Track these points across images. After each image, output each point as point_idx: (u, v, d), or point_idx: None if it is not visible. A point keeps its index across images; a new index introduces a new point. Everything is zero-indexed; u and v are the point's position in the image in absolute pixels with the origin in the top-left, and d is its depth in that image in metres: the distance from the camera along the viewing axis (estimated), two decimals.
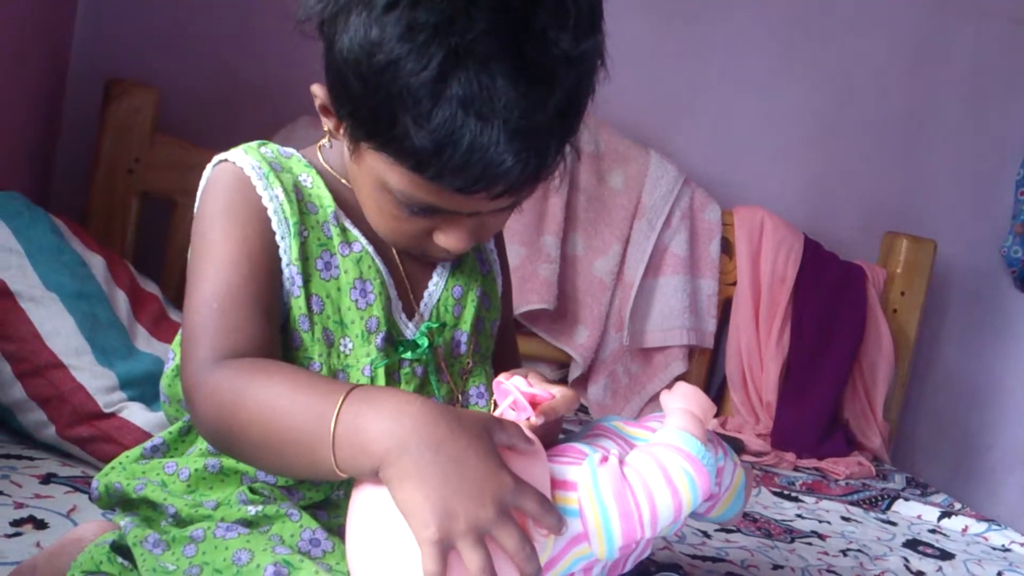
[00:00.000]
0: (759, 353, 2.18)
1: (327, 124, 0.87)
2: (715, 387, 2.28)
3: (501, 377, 0.83)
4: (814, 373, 2.17)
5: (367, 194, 0.85)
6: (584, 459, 0.78)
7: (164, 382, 0.94)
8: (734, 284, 2.21)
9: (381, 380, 0.87)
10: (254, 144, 0.90)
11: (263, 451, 0.77)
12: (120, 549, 0.83)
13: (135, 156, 1.90)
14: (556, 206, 2.04)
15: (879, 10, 2.35)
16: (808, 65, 2.34)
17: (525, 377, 0.84)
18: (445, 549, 0.68)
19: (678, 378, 2.15)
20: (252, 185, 0.86)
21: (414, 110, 0.73)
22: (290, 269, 0.86)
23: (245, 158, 0.88)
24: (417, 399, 0.73)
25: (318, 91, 0.85)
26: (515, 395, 0.81)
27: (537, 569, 0.71)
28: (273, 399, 0.76)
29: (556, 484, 0.77)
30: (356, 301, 0.88)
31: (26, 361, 1.32)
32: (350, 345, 0.88)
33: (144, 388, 1.35)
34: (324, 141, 0.94)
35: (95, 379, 1.32)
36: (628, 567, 0.86)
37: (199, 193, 0.89)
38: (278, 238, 0.86)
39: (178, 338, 0.90)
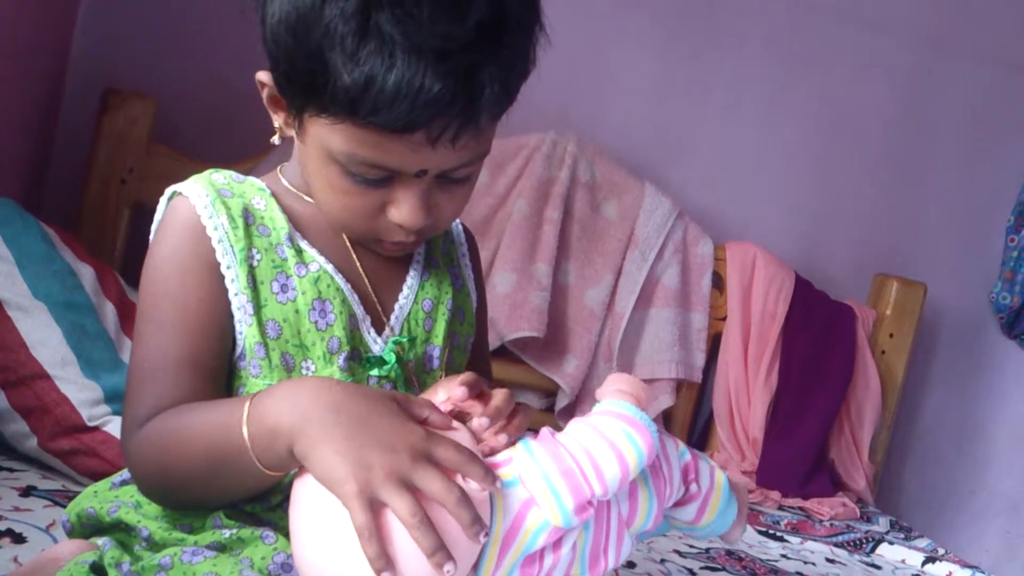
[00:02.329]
0: (747, 389, 2.18)
1: (277, 120, 0.88)
2: (702, 422, 2.28)
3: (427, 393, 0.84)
4: (801, 412, 2.17)
5: (316, 173, 0.85)
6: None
7: None
8: (724, 319, 2.21)
9: None
10: (207, 172, 0.91)
11: (198, 485, 0.81)
12: (99, 570, 0.81)
13: (129, 166, 1.89)
14: (549, 234, 2.04)
15: (877, 52, 2.37)
16: (804, 104, 2.35)
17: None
18: (368, 500, 0.70)
19: (665, 412, 2.15)
20: (198, 217, 0.86)
21: (341, 48, 0.76)
22: (239, 298, 0.85)
23: (195, 188, 0.88)
24: (312, 378, 0.78)
25: (263, 76, 0.87)
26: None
27: (472, 514, 0.71)
28: (189, 431, 0.80)
29: (492, 466, 0.76)
30: (316, 323, 0.87)
31: (10, 371, 1.31)
32: (312, 367, 0.87)
33: None
34: (283, 165, 0.95)
35: (80, 391, 1.31)
36: (611, 564, 0.83)
37: (154, 226, 0.90)
38: (223, 268, 0.85)
39: None
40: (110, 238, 1.88)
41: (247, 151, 1.97)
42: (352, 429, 0.73)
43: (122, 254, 1.90)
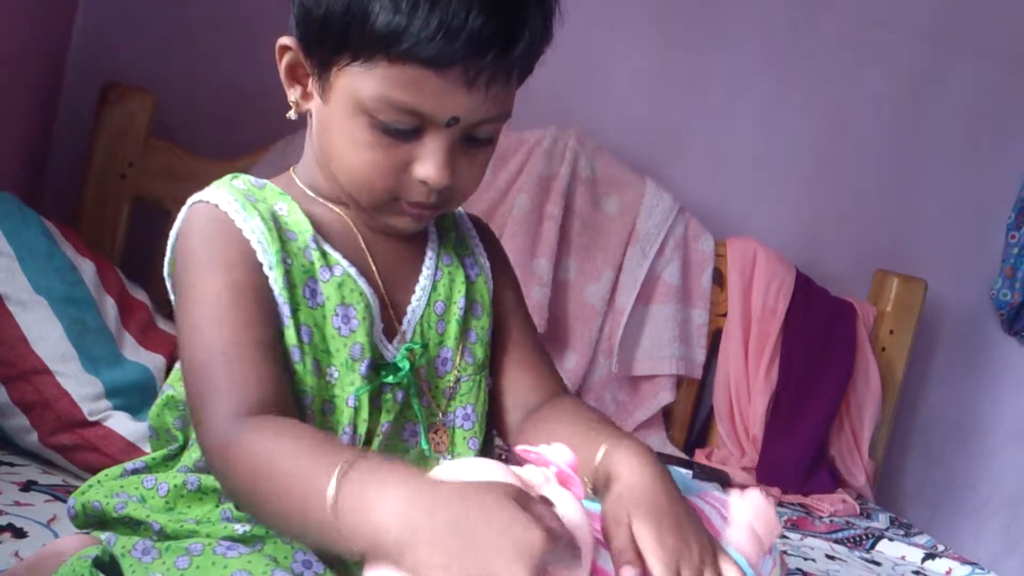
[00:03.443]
0: (747, 385, 2.18)
1: (293, 94, 0.88)
2: (702, 418, 2.28)
3: (536, 448, 0.73)
4: (801, 408, 2.17)
5: (340, 131, 0.84)
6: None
7: (152, 412, 0.92)
8: (725, 315, 2.20)
9: (364, 410, 0.85)
10: (226, 179, 0.89)
11: (277, 521, 0.75)
12: (102, 565, 0.81)
13: (129, 161, 1.88)
14: (550, 230, 2.04)
15: (876, 49, 2.36)
16: (805, 100, 2.35)
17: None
18: None
19: (665, 408, 2.15)
20: (231, 220, 0.84)
21: None
22: (280, 298, 0.83)
23: (219, 193, 0.86)
24: (421, 477, 0.68)
25: (287, 40, 0.86)
26: (562, 468, 0.71)
27: None
28: (291, 472, 0.72)
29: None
30: (339, 328, 0.85)
31: (11, 365, 1.30)
32: (336, 374, 0.85)
33: (130, 397, 1.33)
34: (302, 159, 0.93)
35: (81, 386, 1.30)
36: None
37: (173, 236, 0.87)
38: (265, 269, 0.83)
39: (175, 373, 0.88)
40: (110, 233, 1.88)
41: (247, 146, 1.97)
42: (466, 556, 0.62)
43: (122, 249, 1.89)
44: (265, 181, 0.91)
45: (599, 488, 0.81)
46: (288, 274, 0.84)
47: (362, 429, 0.85)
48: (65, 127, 1.99)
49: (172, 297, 0.89)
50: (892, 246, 2.44)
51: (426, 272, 0.94)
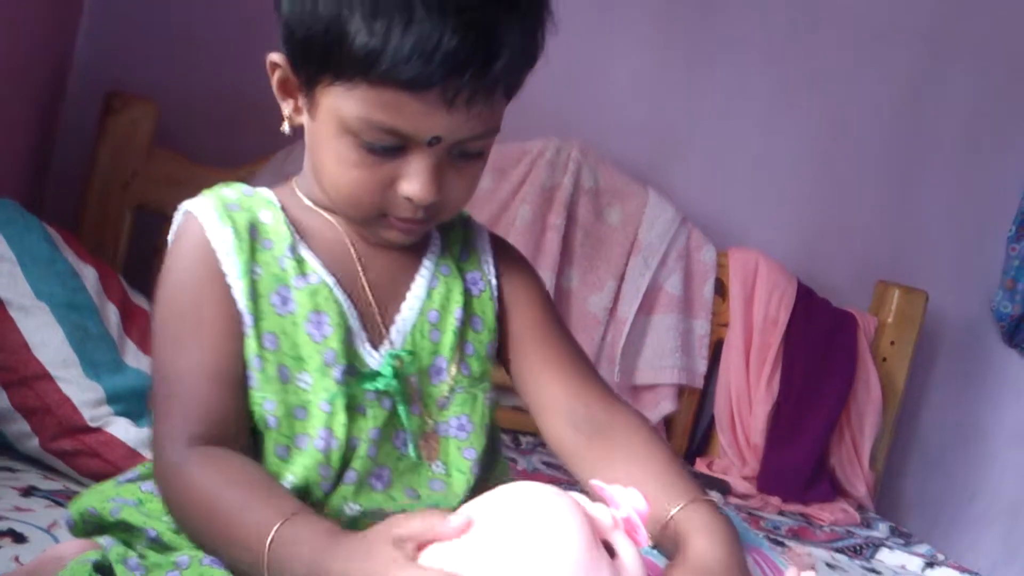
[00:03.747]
0: (748, 395, 2.18)
1: (286, 108, 0.88)
2: (703, 427, 2.28)
3: (612, 488, 0.73)
4: (802, 418, 2.17)
5: (326, 149, 0.85)
6: None
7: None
8: (726, 326, 2.21)
9: (341, 415, 0.85)
10: (218, 186, 0.91)
11: (217, 554, 0.80)
12: (102, 570, 0.81)
13: (132, 169, 1.89)
14: (553, 240, 2.04)
15: (876, 54, 2.37)
16: (805, 110, 2.35)
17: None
18: None
19: (667, 418, 2.15)
20: (203, 230, 0.87)
21: (360, 9, 0.77)
22: (242, 310, 0.85)
23: (202, 202, 0.89)
24: (345, 547, 0.74)
25: (276, 56, 0.87)
26: (631, 515, 0.71)
27: None
28: (228, 515, 0.79)
29: None
30: (311, 335, 0.86)
31: (12, 371, 1.31)
32: (309, 380, 0.86)
33: (131, 403, 1.33)
34: (297, 177, 0.94)
35: (82, 392, 1.31)
36: None
37: (169, 240, 0.90)
38: (230, 279, 0.85)
39: None
40: (112, 240, 1.89)
41: (249, 155, 1.97)
42: None
43: (124, 256, 1.90)
44: (258, 190, 0.92)
45: (665, 546, 0.81)
46: (255, 284, 0.86)
47: (340, 433, 0.84)
48: (68, 134, 2.00)
49: None
50: (893, 257, 2.44)
51: (420, 281, 0.93)
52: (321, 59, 0.81)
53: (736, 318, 2.19)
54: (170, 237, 0.90)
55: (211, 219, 0.87)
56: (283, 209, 0.91)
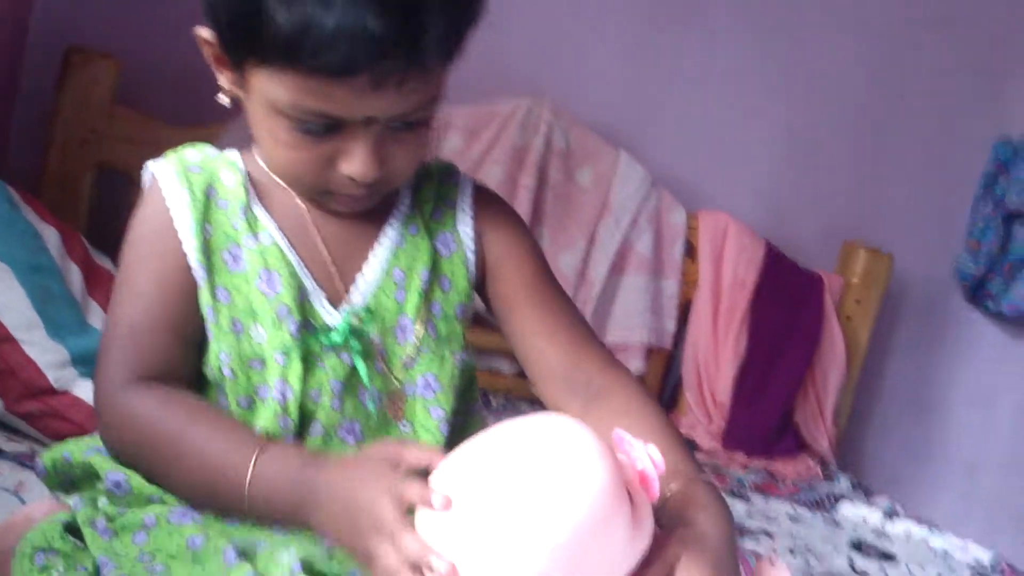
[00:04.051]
0: (715, 355, 2.20)
1: (223, 79, 0.87)
2: (671, 386, 2.30)
3: (633, 440, 0.72)
4: (768, 377, 2.20)
5: (262, 128, 0.84)
6: None
7: None
8: (695, 287, 2.22)
9: (296, 365, 0.85)
10: (183, 146, 0.91)
11: (177, 489, 0.82)
12: (72, 530, 0.81)
13: (92, 127, 1.86)
14: (524, 201, 2.04)
15: (847, 23, 2.37)
16: (776, 75, 2.35)
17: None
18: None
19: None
20: (160, 191, 0.88)
21: None
22: (194, 264, 0.86)
23: (163, 164, 0.90)
24: (314, 460, 0.78)
25: (203, 31, 0.86)
26: (648, 470, 0.70)
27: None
28: (187, 448, 0.81)
29: None
30: (263, 292, 0.86)
31: None
32: (263, 333, 0.86)
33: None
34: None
35: (46, 354, 1.29)
36: None
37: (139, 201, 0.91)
38: (181, 236, 0.86)
39: None
40: (73, 200, 1.85)
41: (214, 114, 1.91)
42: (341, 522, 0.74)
43: (86, 216, 1.87)
44: (225, 152, 0.92)
45: (660, 519, 0.80)
46: (207, 242, 0.87)
47: (296, 384, 0.85)
48: (27, 93, 1.96)
49: None
50: (860, 219, 2.46)
51: (385, 242, 0.92)
52: (245, 43, 0.79)
53: (705, 279, 2.20)
54: (144, 189, 0.91)
55: (170, 179, 0.88)
56: (246, 172, 0.91)
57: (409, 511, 0.71)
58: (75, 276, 1.45)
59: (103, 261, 1.56)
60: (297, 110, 0.80)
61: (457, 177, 0.99)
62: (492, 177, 2.03)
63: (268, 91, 0.80)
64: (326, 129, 0.81)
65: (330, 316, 0.88)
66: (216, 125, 1.93)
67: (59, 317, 1.35)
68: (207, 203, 0.88)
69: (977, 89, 2.47)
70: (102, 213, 1.87)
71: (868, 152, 2.45)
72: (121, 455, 0.85)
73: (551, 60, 2.21)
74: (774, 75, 2.35)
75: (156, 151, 0.91)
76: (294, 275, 0.88)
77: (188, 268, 0.86)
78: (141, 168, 0.92)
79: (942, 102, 2.46)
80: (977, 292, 2.51)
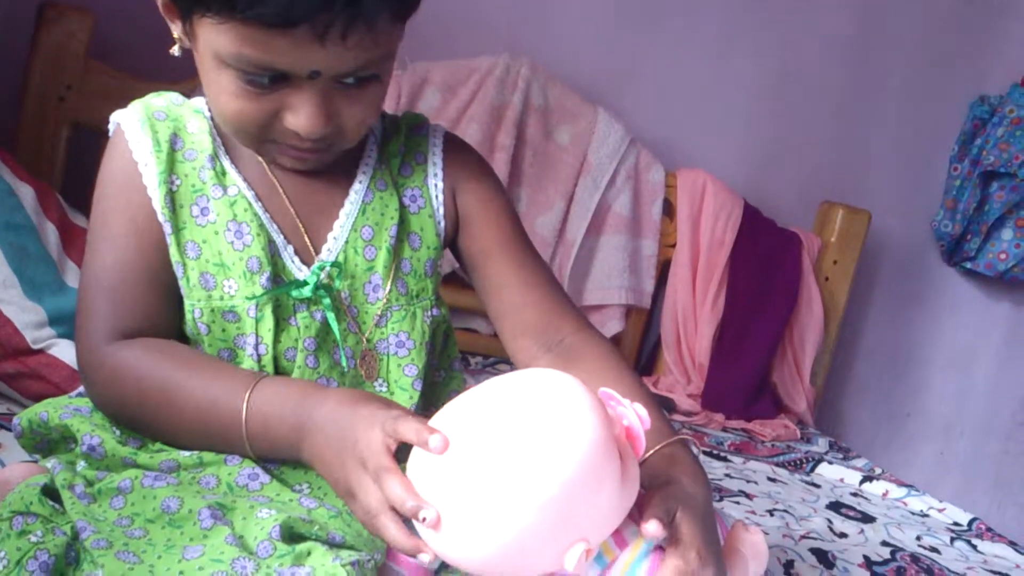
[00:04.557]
0: (694, 315, 2.21)
1: (175, 29, 0.86)
2: (649, 347, 2.31)
3: (620, 396, 0.72)
4: (746, 337, 2.21)
5: (209, 79, 0.83)
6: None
7: None
8: (674, 246, 2.22)
9: (268, 319, 0.85)
10: (149, 95, 0.91)
11: (171, 434, 0.83)
12: (50, 493, 0.81)
13: (67, 83, 1.83)
14: (501, 160, 2.02)
15: None
16: (755, 34, 2.34)
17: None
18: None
19: (614, 337, 2.17)
20: (125, 139, 0.87)
21: None
22: (160, 217, 0.86)
23: (128, 113, 0.89)
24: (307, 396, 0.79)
25: None
26: (635, 425, 0.71)
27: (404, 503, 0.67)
28: (179, 394, 0.82)
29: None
30: (232, 243, 0.86)
31: None
32: (235, 286, 0.86)
33: (74, 325, 1.30)
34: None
35: (23, 313, 1.28)
36: None
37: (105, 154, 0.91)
38: (149, 189, 0.86)
39: None
40: (49, 157, 1.83)
41: (190, 70, 1.90)
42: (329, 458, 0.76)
43: (62, 174, 1.84)
44: (191, 100, 0.92)
45: (643, 478, 0.80)
46: (173, 194, 0.87)
47: (268, 339, 0.86)
48: (1, 48, 1.92)
49: None
50: (838, 178, 2.46)
51: (353, 196, 0.92)
52: None
53: (683, 238, 2.20)
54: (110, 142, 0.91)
55: (134, 128, 0.88)
56: (211, 119, 0.90)
57: (401, 463, 0.71)
58: (51, 235, 1.43)
59: (79, 219, 1.55)
60: (241, 61, 0.78)
61: (426, 129, 0.98)
62: (470, 135, 2.02)
63: (212, 41, 0.79)
64: (271, 80, 0.80)
65: (299, 271, 0.89)
66: (191, 80, 1.90)
67: (36, 276, 1.33)
68: (172, 153, 0.88)
69: (953, 51, 2.48)
70: (77, 170, 1.85)
71: (845, 111, 2.46)
72: (109, 409, 0.85)
73: (530, 17, 2.19)
74: (753, 34, 2.34)
75: None
76: (263, 228, 0.88)
77: (157, 220, 0.87)
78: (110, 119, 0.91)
79: (918, 65, 2.46)
80: (954, 251, 2.53)
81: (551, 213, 2.10)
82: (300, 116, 0.81)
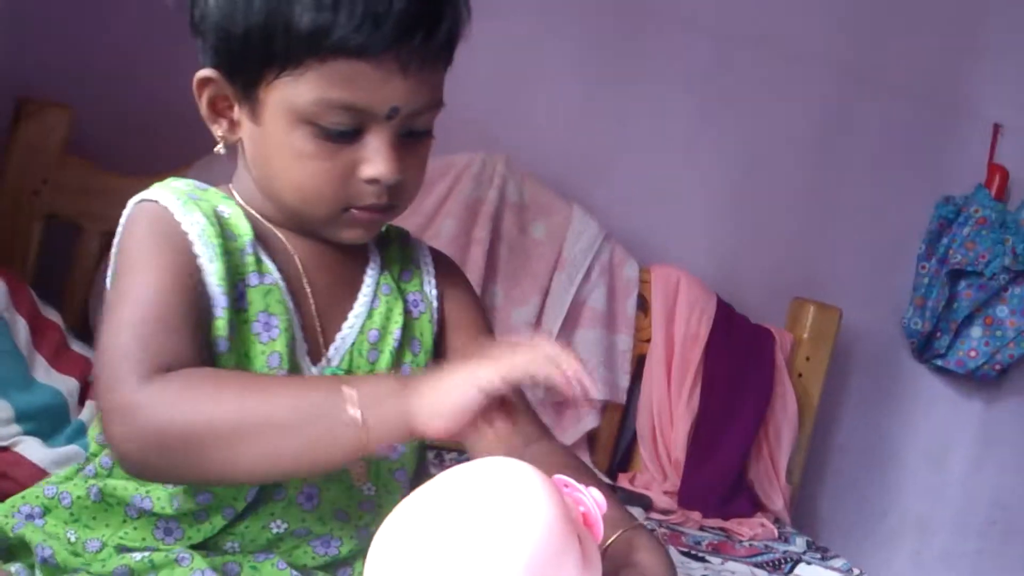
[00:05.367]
0: (669, 410, 2.20)
1: (219, 128, 0.87)
2: (625, 442, 2.29)
3: (578, 486, 0.74)
4: (722, 433, 2.20)
5: (280, 150, 0.84)
6: None
7: (91, 433, 0.89)
8: (648, 341, 2.23)
9: None
10: (166, 181, 0.90)
11: (257, 428, 0.74)
12: None
13: (43, 177, 1.82)
14: (477, 255, 2.04)
15: (793, 84, 2.43)
16: (724, 133, 2.40)
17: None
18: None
19: (590, 433, 2.15)
20: (171, 214, 0.84)
21: None
22: (216, 289, 0.83)
23: (162, 192, 0.87)
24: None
25: (206, 72, 0.85)
26: (592, 510, 0.72)
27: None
28: (265, 378, 0.81)
29: None
30: (259, 335, 0.85)
31: None
32: None
33: (42, 422, 1.28)
34: (234, 179, 0.93)
35: None
36: None
37: (118, 232, 0.87)
38: (203, 261, 0.83)
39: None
40: (21, 251, 1.81)
41: (168, 164, 1.92)
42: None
43: (34, 268, 1.82)
44: (208, 186, 0.91)
45: (604, 564, 0.79)
46: (226, 270, 0.84)
47: None
48: None
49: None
50: (808, 276, 2.49)
51: (362, 300, 0.93)
52: (264, 51, 0.80)
53: (658, 334, 2.21)
54: (121, 225, 0.87)
55: (177, 206, 0.85)
56: (242, 207, 0.90)
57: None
58: (22, 330, 1.41)
59: (50, 314, 1.53)
60: (323, 107, 0.81)
61: (410, 237, 1.02)
62: (446, 230, 2.03)
63: (289, 100, 0.81)
64: (348, 133, 0.82)
65: (308, 371, 0.88)
66: (169, 175, 1.91)
67: (3, 372, 1.31)
68: (222, 230, 0.85)
69: (919, 149, 2.54)
70: (49, 264, 1.84)
71: (814, 209, 2.50)
72: (151, 458, 0.75)
73: (505, 114, 2.23)
74: (724, 133, 2.40)
75: (108, 201, 0.90)
76: (290, 323, 0.87)
77: (207, 293, 0.82)
78: (91, 219, 0.90)
79: (885, 162, 2.53)
80: (925, 349, 2.55)
81: (527, 307, 2.10)
82: (378, 162, 0.84)
